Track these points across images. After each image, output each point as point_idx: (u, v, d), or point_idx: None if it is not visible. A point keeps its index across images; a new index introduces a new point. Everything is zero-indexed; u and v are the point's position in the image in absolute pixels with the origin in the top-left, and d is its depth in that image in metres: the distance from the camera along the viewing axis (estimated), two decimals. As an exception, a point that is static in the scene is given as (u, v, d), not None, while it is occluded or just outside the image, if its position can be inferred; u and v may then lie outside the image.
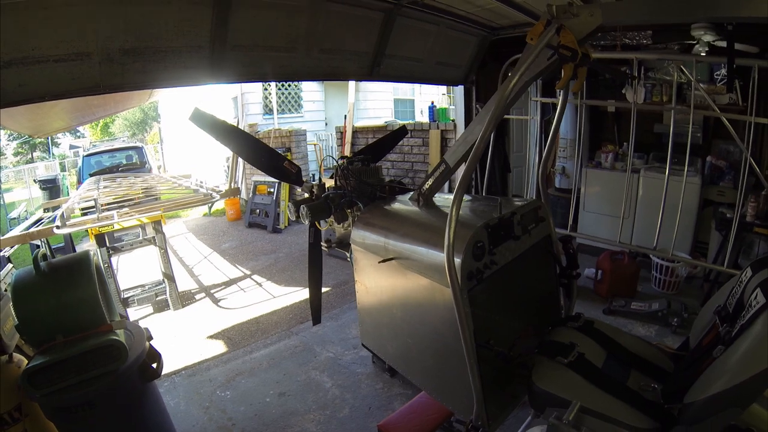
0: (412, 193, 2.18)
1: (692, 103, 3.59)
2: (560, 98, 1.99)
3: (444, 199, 2.16)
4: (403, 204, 2.14)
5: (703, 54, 3.75)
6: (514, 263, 1.82)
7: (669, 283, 3.94)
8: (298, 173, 2.33)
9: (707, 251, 4.19)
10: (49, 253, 5.32)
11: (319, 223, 2.39)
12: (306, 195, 2.38)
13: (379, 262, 1.86)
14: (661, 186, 3.80)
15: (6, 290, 2.31)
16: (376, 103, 10.88)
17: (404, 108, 11.55)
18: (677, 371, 1.60)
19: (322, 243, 2.45)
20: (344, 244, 2.37)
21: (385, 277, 1.97)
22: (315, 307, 2.62)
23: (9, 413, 1.94)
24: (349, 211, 2.26)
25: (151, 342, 2.22)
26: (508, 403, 1.86)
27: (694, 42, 3.82)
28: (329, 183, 2.43)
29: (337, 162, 2.38)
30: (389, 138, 3.08)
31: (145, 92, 5.87)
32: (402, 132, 3.22)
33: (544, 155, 2.26)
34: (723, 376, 1.25)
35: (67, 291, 1.99)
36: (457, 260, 1.54)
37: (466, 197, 2.16)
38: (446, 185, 5.09)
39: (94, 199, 4.00)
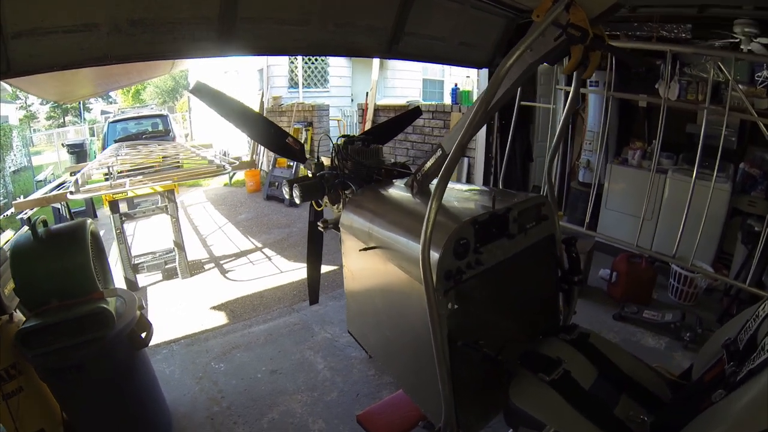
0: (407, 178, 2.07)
1: (728, 104, 3.37)
2: (572, 87, 1.83)
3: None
4: (397, 189, 2.05)
5: (745, 51, 3.52)
6: (507, 263, 1.70)
7: (687, 294, 3.76)
8: (302, 150, 2.30)
9: (731, 264, 4.00)
10: (68, 215, 5.57)
11: (317, 203, 2.37)
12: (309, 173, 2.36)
13: (360, 251, 1.80)
14: (688, 189, 3.61)
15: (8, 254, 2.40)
16: (404, 81, 10.75)
17: (433, 89, 11.36)
18: (672, 405, 1.48)
19: (318, 222, 2.42)
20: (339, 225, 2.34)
21: (369, 265, 1.91)
22: (312, 287, 2.64)
23: (6, 370, 2.03)
24: (345, 192, 2.21)
25: (143, 311, 2.28)
26: (485, 413, 1.76)
27: (736, 39, 3.58)
28: (328, 162, 2.39)
29: (332, 141, 2.34)
30: (401, 118, 2.99)
31: (167, 62, 5.93)
32: (415, 113, 3.12)
33: (551, 149, 2.12)
34: (718, 427, 1.13)
35: (62, 257, 2.05)
36: (435, 257, 1.43)
37: (462, 187, 2.08)
38: (464, 180, 5.04)
39: (108, 167, 4.09)
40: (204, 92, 2.11)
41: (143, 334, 2.24)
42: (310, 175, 2.32)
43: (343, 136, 2.35)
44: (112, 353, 2.06)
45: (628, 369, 1.60)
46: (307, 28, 2.96)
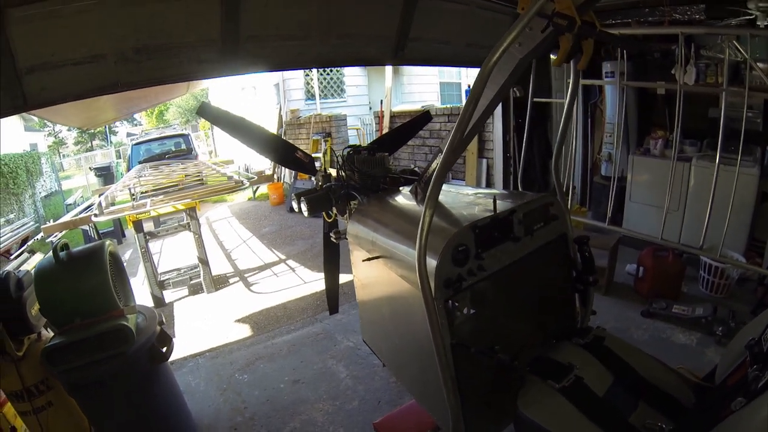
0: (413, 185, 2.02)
1: (746, 84, 3.25)
2: (571, 79, 1.77)
3: (447, 191, 2.00)
4: (402, 197, 2.03)
5: (762, 27, 3.38)
6: (515, 266, 1.63)
7: (718, 286, 3.61)
8: (311, 163, 2.34)
9: (765, 251, 3.82)
10: (96, 236, 5.81)
11: (328, 214, 2.40)
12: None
13: (363, 261, 1.80)
14: (713, 177, 3.48)
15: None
16: (421, 86, 10.78)
17: (450, 91, 11.33)
18: (693, 412, 1.38)
19: (331, 233, 2.44)
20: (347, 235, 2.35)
21: (375, 274, 1.90)
22: (331, 297, 2.67)
23: (35, 386, 2.18)
24: (351, 203, 2.22)
25: (163, 326, 2.36)
26: (498, 421, 1.70)
27: (752, 15, 3.44)
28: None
29: (332, 151, 2.36)
30: (411, 124, 2.99)
31: (183, 83, 6.14)
32: (425, 118, 3.12)
33: (556, 145, 2.03)
34: None
35: (82, 278, 2.16)
36: (433, 264, 1.39)
37: (467, 191, 2.05)
38: (484, 181, 5.00)
39: (129, 188, 4.26)
40: (208, 113, 2.17)
41: (164, 349, 2.32)
42: (318, 187, 2.35)
43: (350, 146, 2.37)
44: (133, 368, 2.14)
45: (646, 373, 1.50)
46: (310, 42, 3.01)
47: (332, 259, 2.53)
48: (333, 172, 2.40)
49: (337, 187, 2.21)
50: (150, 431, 2.32)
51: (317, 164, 2.43)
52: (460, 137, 1.34)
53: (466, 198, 1.91)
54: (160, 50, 2.44)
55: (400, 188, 2.17)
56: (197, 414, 2.72)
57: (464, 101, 5.29)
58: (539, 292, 1.89)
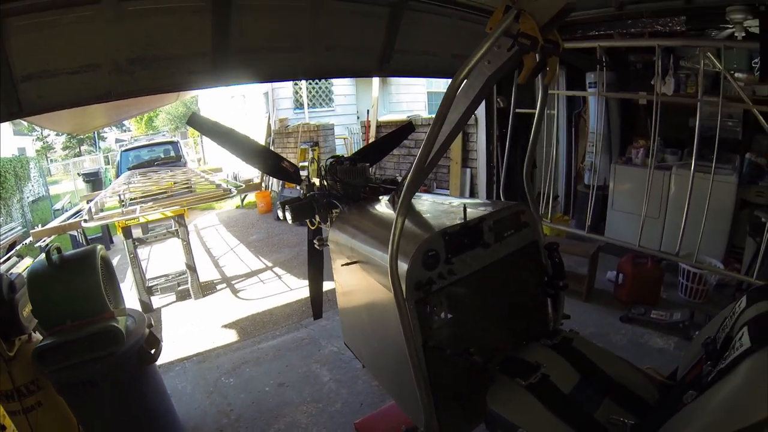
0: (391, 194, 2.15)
1: (721, 94, 3.42)
2: (539, 93, 1.89)
3: (425, 200, 2.14)
4: (381, 206, 2.14)
5: (739, 39, 3.56)
6: (487, 271, 1.73)
7: (696, 291, 3.77)
8: (296, 172, 2.47)
9: (743, 257, 3.99)
10: (84, 242, 5.88)
11: (311, 222, 2.51)
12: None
13: (342, 265, 1.90)
14: (694, 185, 3.65)
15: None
16: (408, 96, 11.01)
17: (437, 101, 11.55)
18: (655, 408, 1.46)
19: (314, 241, 2.55)
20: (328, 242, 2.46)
21: (354, 279, 2.00)
22: (315, 302, 2.78)
23: (25, 386, 2.26)
24: (333, 211, 2.32)
25: (152, 329, 2.46)
26: (471, 419, 1.79)
27: (731, 27, 3.63)
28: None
29: (318, 163, 2.48)
30: (394, 135, 3.12)
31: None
32: (407, 128, 3.26)
33: (527, 154, 2.14)
34: (687, 428, 1.14)
35: (74, 281, 2.26)
36: (404, 268, 1.50)
37: (443, 199, 2.17)
38: (468, 190, 5.15)
39: (119, 194, 4.35)
40: (198, 123, 2.28)
41: (152, 351, 2.42)
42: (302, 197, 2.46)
43: (332, 157, 2.49)
44: (122, 368, 2.23)
45: (613, 372, 1.58)
46: (299, 54, 3.15)
47: (316, 266, 2.63)
48: (317, 181, 2.52)
49: (320, 196, 2.31)
50: (136, 429, 2.40)
51: (304, 173, 2.56)
52: (430, 148, 1.44)
53: (441, 207, 2.01)
54: (153, 61, 2.56)
55: (380, 197, 2.28)
56: (184, 416, 2.80)
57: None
58: (512, 296, 1.99)
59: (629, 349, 3.18)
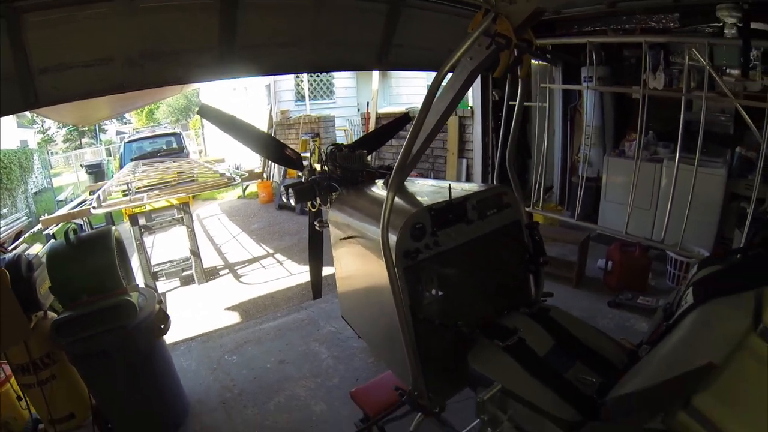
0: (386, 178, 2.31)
1: (705, 89, 3.59)
2: (519, 88, 2.07)
3: (416, 183, 2.32)
4: (376, 188, 2.31)
5: (728, 37, 3.71)
6: (470, 246, 1.90)
7: (683, 279, 3.96)
8: (299, 159, 2.66)
9: (732, 247, 4.15)
10: (89, 230, 6.08)
11: (312, 204, 2.70)
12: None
13: (340, 239, 2.11)
14: (684, 177, 3.82)
15: (44, 259, 2.81)
16: (408, 89, 11.17)
17: (437, 93, 11.75)
18: (621, 369, 1.60)
19: (315, 222, 2.73)
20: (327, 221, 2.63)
21: (351, 254, 2.18)
22: (314, 283, 2.98)
23: (41, 359, 2.47)
24: (332, 193, 2.48)
25: (162, 305, 2.66)
26: (455, 382, 1.93)
27: (720, 24, 3.77)
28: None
29: (319, 150, 2.67)
30: (391, 126, 3.29)
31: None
32: (404, 119, 3.44)
33: (510, 141, 2.32)
34: (637, 377, 1.28)
35: (90, 259, 2.47)
36: (394, 239, 1.68)
37: (434, 183, 2.35)
38: (464, 180, 5.33)
39: (127, 183, 4.56)
40: (209, 113, 2.44)
41: (162, 326, 2.62)
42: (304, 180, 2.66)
43: (333, 144, 2.68)
44: (134, 341, 2.43)
45: (585, 339, 1.74)
46: (301, 49, 3.34)
47: (316, 247, 2.82)
48: (318, 167, 2.71)
49: (321, 180, 2.50)
50: (147, 401, 2.58)
51: (305, 162, 2.75)
52: (416, 134, 1.64)
53: (430, 188, 2.19)
54: (163, 55, 2.76)
55: (376, 181, 2.46)
56: (189, 391, 3.00)
57: None
58: (496, 271, 2.16)
59: (615, 331, 3.35)
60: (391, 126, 3.27)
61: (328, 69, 4.12)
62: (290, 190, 2.48)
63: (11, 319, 2.06)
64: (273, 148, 2.59)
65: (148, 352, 2.57)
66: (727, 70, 4.03)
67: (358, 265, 2.17)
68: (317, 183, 2.51)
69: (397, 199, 1.92)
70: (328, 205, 2.54)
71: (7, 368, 2.62)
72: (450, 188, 1.90)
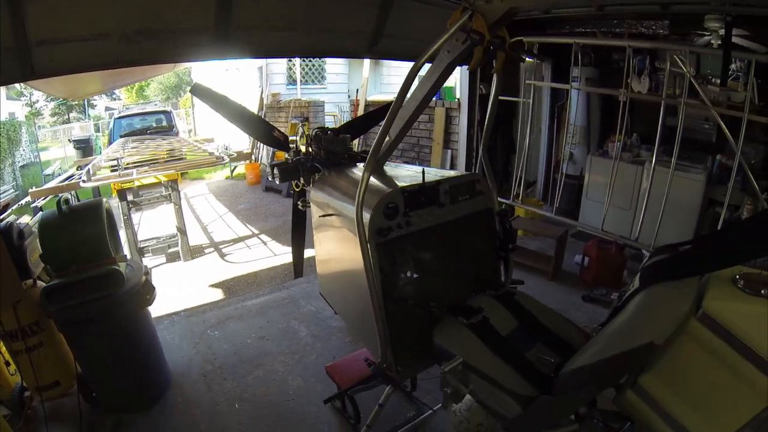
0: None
1: (684, 96, 3.74)
2: (494, 83, 2.21)
3: (396, 168, 2.45)
4: (356, 170, 2.43)
5: (715, 47, 3.85)
6: (442, 228, 2.04)
7: (654, 276, 4.15)
8: (286, 140, 2.79)
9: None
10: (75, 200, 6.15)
11: (296, 184, 2.81)
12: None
13: (320, 216, 2.24)
14: (664, 180, 3.96)
15: (34, 229, 2.91)
16: (399, 78, 11.22)
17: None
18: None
19: (298, 202, 2.84)
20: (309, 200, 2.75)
21: (329, 232, 2.33)
22: (296, 263, 3.12)
23: (29, 326, 2.56)
24: (315, 174, 2.61)
25: (148, 277, 2.79)
26: (423, 358, 2.06)
27: (708, 34, 3.91)
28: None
29: (305, 133, 2.78)
30: (375, 113, 3.38)
31: (170, 62, 6.51)
32: (388, 108, 3.56)
33: (484, 133, 2.44)
34: (584, 355, 1.40)
35: (81, 229, 2.58)
36: (368, 217, 1.81)
37: (411, 168, 2.42)
38: (448, 164, 5.49)
39: (117, 159, 4.64)
40: (202, 92, 2.55)
41: (148, 296, 2.74)
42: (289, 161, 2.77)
43: (318, 128, 2.80)
44: (120, 309, 2.54)
45: (548, 322, 1.85)
46: (294, 33, 3.44)
47: (299, 226, 2.95)
48: (303, 148, 2.84)
49: (305, 161, 2.63)
50: (130, 371, 2.69)
51: (292, 144, 2.87)
52: (392, 118, 1.80)
53: (408, 172, 2.32)
54: (159, 33, 2.85)
55: (357, 164, 2.59)
56: (172, 363, 3.12)
57: (437, 94, 5.64)
58: (467, 255, 2.30)
59: (588, 325, 3.54)
60: (377, 113, 3.37)
61: (320, 55, 4.23)
62: (275, 169, 2.61)
63: (6, 279, 2.15)
64: (262, 128, 2.73)
65: (133, 321, 2.68)
66: (713, 80, 4.20)
67: (335, 242, 2.31)
68: (301, 164, 2.63)
69: (375, 181, 2.09)
70: (311, 185, 2.67)
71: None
72: (423, 172, 2.03)
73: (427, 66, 1.90)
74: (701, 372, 1.28)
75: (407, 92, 1.78)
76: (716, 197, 4.22)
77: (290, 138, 2.93)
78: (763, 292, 1.23)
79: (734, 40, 3.60)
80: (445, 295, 2.11)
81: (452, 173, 2.22)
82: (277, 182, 2.67)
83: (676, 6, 3.75)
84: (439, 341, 1.81)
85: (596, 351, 1.38)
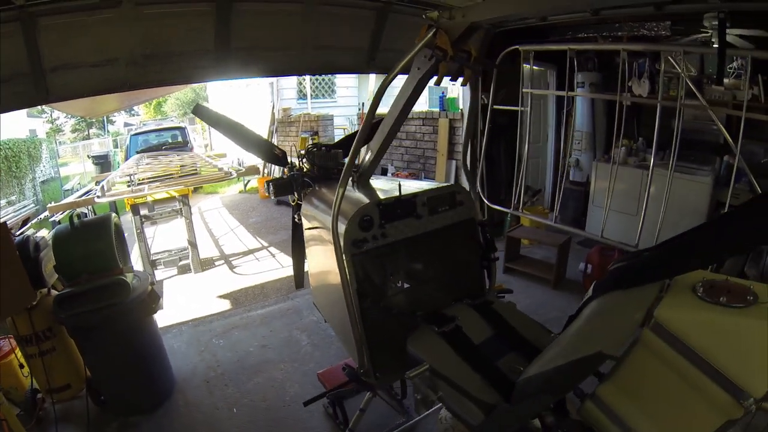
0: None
1: (679, 97, 3.73)
2: (470, 94, 2.37)
3: (380, 180, 2.55)
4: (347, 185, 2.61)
5: (715, 46, 3.89)
6: (421, 239, 2.13)
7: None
8: (284, 156, 2.98)
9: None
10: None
11: (292, 199, 2.98)
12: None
13: (305, 230, 2.43)
14: (674, 184, 3.91)
15: (49, 241, 3.17)
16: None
17: (436, 95, 12.07)
18: None
19: (295, 216, 3.01)
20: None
21: (317, 244, 2.47)
22: (296, 273, 3.29)
23: (43, 331, 2.83)
24: (307, 189, 2.75)
25: (153, 286, 3.02)
26: (403, 365, 2.06)
27: (707, 34, 3.96)
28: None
29: (296, 150, 2.96)
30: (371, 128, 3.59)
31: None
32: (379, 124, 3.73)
33: (463, 143, 2.57)
34: (538, 362, 1.42)
35: (91, 242, 2.83)
36: (343, 228, 1.90)
37: (397, 180, 2.49)
38: (452, 181, 5.62)
39: (129, 175, 4.95)
40: (202, 113, 2.76)
41: (153, 305, 2.97)
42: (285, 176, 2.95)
43: (313, 144, 2.98)
44: (126, 316, 2.76)
45: (524, 331, 1.88)
46: (292, 52, 3.68)
47: (298, 239, 3.11)
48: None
49: (298, 176, 2.78)
50: (135, 375, 2.90)
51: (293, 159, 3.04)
52: (364, 135, 1.93)
53: (390, 185, 2.40)
54: (164, 57, 3.13)
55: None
56: (177, 370, 3.33)
57: (438, 106, 5.81)
58: (450, 265, 2.38)
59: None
60: (373, 127, 3.56)
61: (318, 72, 4.46)
62: (270, 185, 2.80)
63: (19, 284, 2.36)
64: (262, 146, 2.88)
65: (139, 328, 2.90)
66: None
67: (321, 254, 2.45)
68: (294, 179, 2.77)
69: (357, 194, 2.25)
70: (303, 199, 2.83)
71: (10, 342, 2.99)
72: (400, 185, 2.15)
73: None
74: (658, 383, 1.26)
75: (377, 108, 1.92)
76: (724, 199, 4.19)
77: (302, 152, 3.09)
78: (722, 299, 1.19)
79: (738, 37, 3.65)
80: (425, 304, 2.17)
81: (433, 185, 2.31)
82: (272, 197, 2.86)
83: (670, 6, 3.86)
84: (411, 348, 1.88)
85: (547, 359, 1.41)
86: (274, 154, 2.91)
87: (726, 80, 4.27)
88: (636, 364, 1.30)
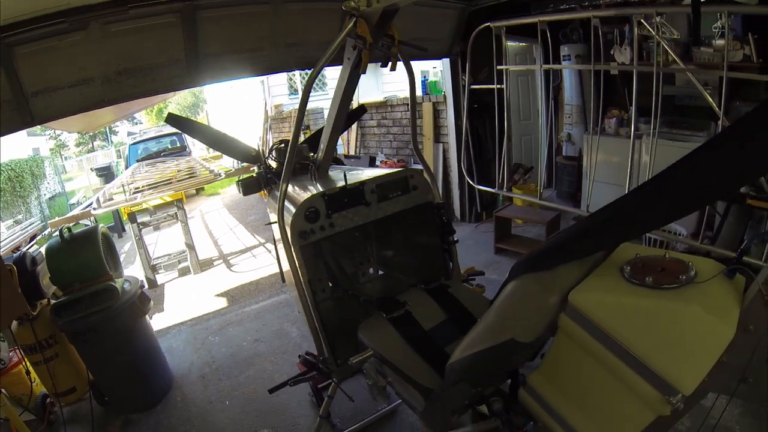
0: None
1: (655, 60, 3.81)
2: (408, 77, 2.30)
3: (338, 171, 2.65)
4: (305, 179, 2.63)
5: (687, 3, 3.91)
6: (374, 225, 2.26)
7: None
8: (257, 156, 3.21)
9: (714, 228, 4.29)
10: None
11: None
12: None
13: (265, 224, 2.62)
14: (668, 152, 3.96)
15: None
16: (400, 79, 11.59)
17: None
18: None
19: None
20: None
21: (277, 237, 2.56)
22: (281, 268, 3.52)
23: (45, 339, 3.13)
24: (272, 185, 2.90)
25: (143, 290, 3.31)
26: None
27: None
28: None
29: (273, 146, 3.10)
30: (347, 117, 3.73)
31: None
32: (359, 111, 3.90)
33: (412, 126, 2.55)
34: (459, 347, 1.42)
35: (80, 252, 3.14)
36: (289, 220, 2.00)
37: (353, 171, 2.62)
38: (440, 164, 5.78)
39: (122, 185, 5.28)
40: (176, 120, 2.95)
41: (144, 307, 3.27)
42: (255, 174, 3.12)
43: (281, 141, 3.13)
44: (118, 318, 3.03)
45: (479, 315, 1.72)
46: (262, 52, 3.87)
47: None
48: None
49: (264, 173, 2.95)
50: (132, 375, 3.19)
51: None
52: (299, 133, 1.99)
53: (351, 175, 2.41)
54: (136, 71, 3.37)
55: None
56: (174, 367, 3.64)
57: (421, 92, 5.97)
58: (409, 250, 2.52)
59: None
60: (348, 118, 3.73)
61: (295, 68, 4.61)
62: (239, 184, 2.99)
63: (9, 296, 2.59)
64: (238, 148, 3.07)
65: (132, 329, 3.18)
66: (708, 41, 4.24)
67: (280, 246, 2.54)
68: (261, 176, 2.94)
69: (312, 187, 2.40)
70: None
71: (17, 353, 3.30)
72: (345, 175, 2.25)
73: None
74: (583, 372, 1.21)
75: (307, 102, 1.97)
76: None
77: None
78: (648, 280, 1.11)
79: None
80: (382, 290, 2.32)
81: (384, 172, 2.38)
82: (242, 195, 3.07)
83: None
84: (360, 334, 1.96)
85: (466, 345, 1.40)
86: (248, 154, 3.13)
87: (714, 41, 4.30)
88: (559, 352, 1.27)
